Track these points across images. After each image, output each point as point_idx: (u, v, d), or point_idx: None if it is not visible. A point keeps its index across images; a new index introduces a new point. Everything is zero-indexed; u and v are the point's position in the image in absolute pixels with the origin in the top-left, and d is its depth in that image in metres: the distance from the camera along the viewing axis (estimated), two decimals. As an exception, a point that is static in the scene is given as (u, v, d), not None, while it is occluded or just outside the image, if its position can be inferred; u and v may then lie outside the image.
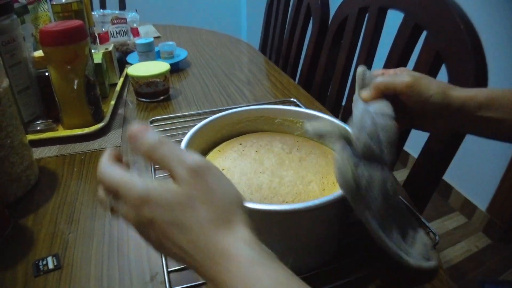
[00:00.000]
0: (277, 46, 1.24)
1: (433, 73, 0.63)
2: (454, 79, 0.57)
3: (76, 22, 0.63)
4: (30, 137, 0.64)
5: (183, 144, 0.41)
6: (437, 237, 0.43)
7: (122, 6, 1.58)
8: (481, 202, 1.58)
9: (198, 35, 1.41)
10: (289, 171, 0.41)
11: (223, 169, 0.41)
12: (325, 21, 0.89)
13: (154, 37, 1.40)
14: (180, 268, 0.39)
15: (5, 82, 0.50)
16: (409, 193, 0.65)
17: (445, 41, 0.58)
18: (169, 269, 0.39)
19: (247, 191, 0.38)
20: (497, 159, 1.46)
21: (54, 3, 0.72)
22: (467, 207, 1.63)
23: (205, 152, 0.47)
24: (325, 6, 0.87)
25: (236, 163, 0.42)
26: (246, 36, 2.41)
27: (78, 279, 0.39)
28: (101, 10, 1.17)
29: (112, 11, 1.16)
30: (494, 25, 1.34)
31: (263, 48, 1.40)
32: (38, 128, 0.68)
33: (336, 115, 0.91)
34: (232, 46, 1.26)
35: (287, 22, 1.18)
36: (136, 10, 1.24)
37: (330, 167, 0.42)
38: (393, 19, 0.71)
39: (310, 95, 0.85)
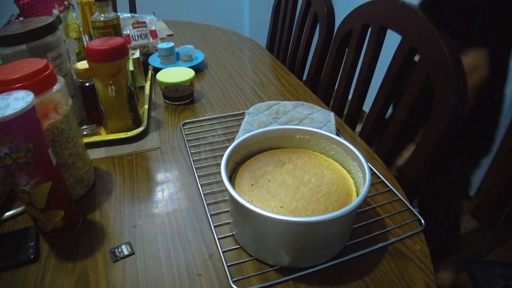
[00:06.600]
0: (285, 47, 1.33)
1: (423, 93, 0.71)
2: (438, 99, 0.65)
3: (119, 40, 0.71)
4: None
5: (225, 156, 0.50)
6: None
7: (133, 8, 1.65)
8: (471, 187, 1.67)
9: (207, 32, 1.49)
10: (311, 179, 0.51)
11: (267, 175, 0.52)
12: (330, 31, 0.98)
13: (167, 35, 1.48)
14: (232, 248, 0.50)
15: (70, 101, 0.58)
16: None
17: (433, 65, 0.65)
18: (223, 250, 0.50)
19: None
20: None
21: (94, 20, 0.81)
22: (458, 192, 1.76)
23: (241, 161, 0.56)
24: (331, 17, 0.96)
25: (273, 173, 0.53)
26: (248, 30, 2.47)
27: (151, 261, 0.49)
28: (121, 14, 1.25)
29: (131, 14, 1.24)
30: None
31: (270, 46, 1.49)
32: (85, 132, 0.78)
33: (340, 116, 1.01)
34: (241, 44, 1.34)
35: (294, 25, 1.26)
36: (153, 12, 1.31)
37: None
38: (394, 38, 0.79)
39: (316, 96, 0.95)
